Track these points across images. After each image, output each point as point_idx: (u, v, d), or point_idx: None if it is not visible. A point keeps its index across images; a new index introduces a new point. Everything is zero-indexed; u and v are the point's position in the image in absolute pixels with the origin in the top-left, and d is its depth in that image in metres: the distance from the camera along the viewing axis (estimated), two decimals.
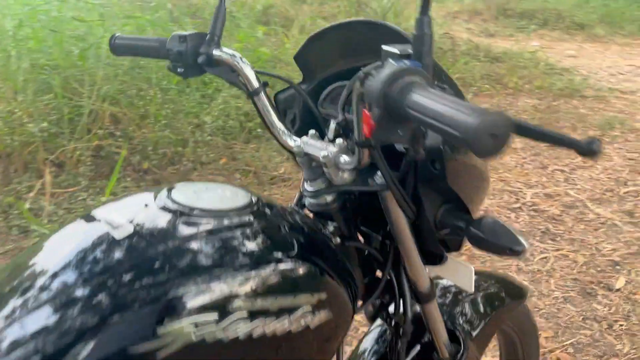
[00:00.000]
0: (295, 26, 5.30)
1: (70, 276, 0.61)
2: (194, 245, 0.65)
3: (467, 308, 1.06)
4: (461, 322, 1.04)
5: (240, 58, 0.89)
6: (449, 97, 0.49)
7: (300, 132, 0.87)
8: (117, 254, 0.63)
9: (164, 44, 0.92)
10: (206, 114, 3.34)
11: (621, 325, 2.04)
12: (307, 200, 0.84)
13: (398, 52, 0.62)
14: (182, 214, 0.68)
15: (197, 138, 3.16)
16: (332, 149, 0.78)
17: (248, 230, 0.70)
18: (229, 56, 0.89)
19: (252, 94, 0.88)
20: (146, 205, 0.70)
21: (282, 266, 0.68)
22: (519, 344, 1.28)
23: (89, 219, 0.70)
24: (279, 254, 0.69)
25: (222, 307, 0.62)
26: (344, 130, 0.85)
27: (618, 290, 2.24)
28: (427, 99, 0.51)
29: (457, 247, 0.85)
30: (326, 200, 0.82)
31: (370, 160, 0.74)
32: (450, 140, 0.47)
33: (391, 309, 0.93)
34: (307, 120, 0.95)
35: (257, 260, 0.67)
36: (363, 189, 0.80)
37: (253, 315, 0.63)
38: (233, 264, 0.65)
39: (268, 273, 0.66)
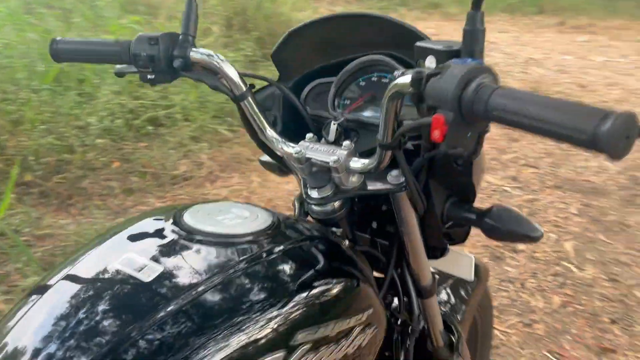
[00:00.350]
0: (162, 14, 5.04)
1: (111, 324, 0.52)
2: (237, 278, 0.58)
3: (452, 294, 1.08)
4: (449, 309, 1.05)
5: (220, 58, 0.80)
6: (540, 96, 0.48)
7: (283, 135, 0.82)
8: (154, 299, 0.54)
9: (125, 47, 0.80)
10: (88, 114, 3.05)
11: (531, 283, 2.22)
12: (312, 208, 0.79)
13: (443, 48, 0.59)
14: (212, 243, 0.60)
15: (83, 142, 2.88)
16: (342, 152, 0.74)
17: (283, 255, 0.64)
18: (207, 57, 0.80)
19: (238, 99, 0.80)
20: (167, 238, 0.61)
21: (327, 288, 0.63)
22: (479, 321, 1.33)
23: (105, 256, 0.60)
24: (320, 276, 0.64)
25: (287, 343, 0.55)
26: (346, 132, 0.81)
27: (522, 251, 2.44)
28: (515, 101, 0.48)
29: (463, 239, 0.85)
30: (334, 206, 0.78)
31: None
32: (568, 142, 0.45)
33: (394, 305, 0.92)
34: (289, 122, 0.89)
35: (304, 286, 0.61)
36: (382, 191, 0.76)
37: (317, 345, 0.58)
38: (283, 293, 0.59)
39: (318, 298, 0.61)
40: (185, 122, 3.39)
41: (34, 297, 0.58)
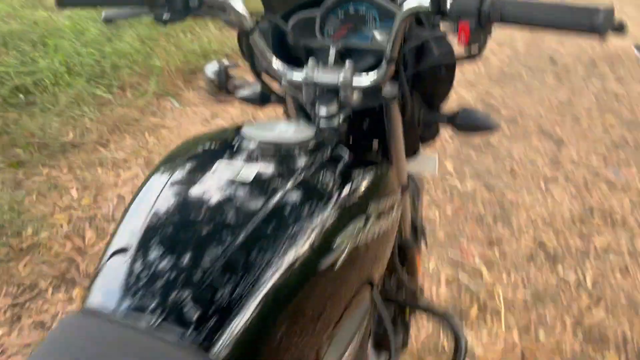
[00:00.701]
0: None
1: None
2: (311, 176, 0.70)
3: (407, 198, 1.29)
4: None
5: None
6: (542, 3, 0.66)
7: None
8: (256, 199, 0.65)
9: None
10: None
11: (426, 199, 2.55)
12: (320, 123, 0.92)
13: None
14: (280, 149, 0.72)
15: None
16: (347, 72, 0.87)
17: (334, 154, 0.77)
18: None
19: (249, 33, 0.89)
20: (244, 149, 0.71)
21: (374, 171, 0.78)
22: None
23: (196, 167, 0.69)
24: (366, 165, 0.79)
25: (363, 213, 0.70)
26: (343, 55, 0.94)
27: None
28: (523, 8, 0.66)
29: (433, 137, 1.05)
30: (339, 121, 0.92)
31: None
32: (568, 33, 0.64)
33: None
34: (279, 54, 1.00)
35: (358, 175, 0.76)
36: (380, 101, 0.91)
37: (378, 217, 0.73)
38: (347, 183, 0.73)
39: (370, 181, 0.76)
40: (57, 87, 3.20)
41: (146, 199, 0.66)
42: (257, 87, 1.11)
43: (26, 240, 2.08)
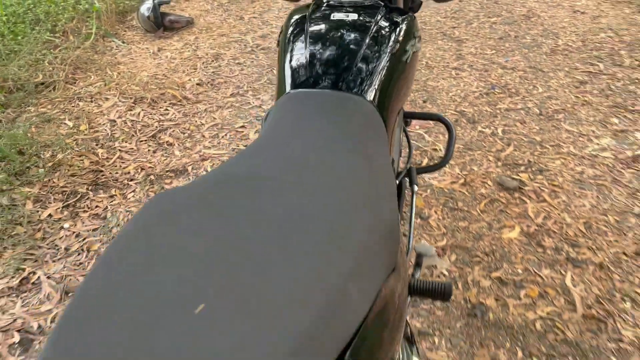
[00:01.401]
0: None
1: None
2: (381, 28, 1.22)
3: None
4: None
5: None
6: None
7: None
8: (357, 36, 1.17)
9: None
10: None
11: None
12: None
13: None
14: (358, 7, 1.23)
15: None
16: None
17: (391, 12, 1.29)
18: None
19: None
20: (336, 13, 1.22)
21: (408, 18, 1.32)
22: None
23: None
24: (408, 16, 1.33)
25: (413, 38, 1.24)
26: None
27: None
28: None
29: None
30: None
31: None
32: None
33: None
34: None
35: (403, 20, 1.29)
36: None
37: (415, 44, 1.28)
38: (404, 21, 1.26)
39: (410, 22, 1.29)
40: (3, 37, 3.34)
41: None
42: None
43: (48, 161, 2.41)
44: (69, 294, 1.76)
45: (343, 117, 0.98)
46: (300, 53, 1.13)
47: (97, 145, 2.58)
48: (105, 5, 3.98)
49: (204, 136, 2.67)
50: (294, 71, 1.12)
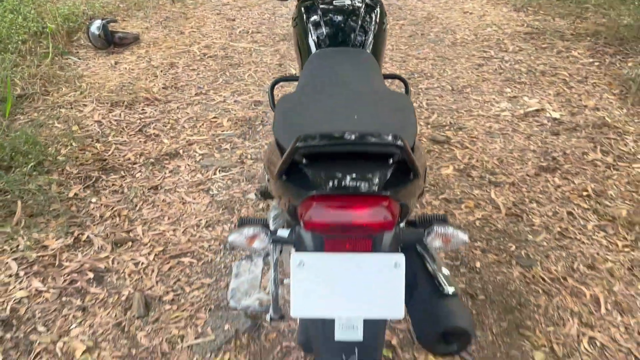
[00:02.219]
0: None
1: None
2: None
3: None
4: None
5: None
6: None
7: None
8: None
9: None
10: None
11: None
12: None
13: None
14: None
15: None
16: None
17: None
18: None
19: None
20: None
21: None
22: None
23: None
24: None
25: None
26: None
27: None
28: None
29: None
30: None
31: None
32: None
33: None
34: None
35: None
36: None
37: None
38: None
39: None
40: None
41: None
42: None
43: (56, 154, 2.76)
44: (118, 245, 2.17)
45: (357, 61, 1.57)
46: (318, 25, 1.70)
47: (92, 141, 2.96)
48: (56, 26, 4.29)
49: (184, 127, 3.13)
50: (317, 37, 1.69)
